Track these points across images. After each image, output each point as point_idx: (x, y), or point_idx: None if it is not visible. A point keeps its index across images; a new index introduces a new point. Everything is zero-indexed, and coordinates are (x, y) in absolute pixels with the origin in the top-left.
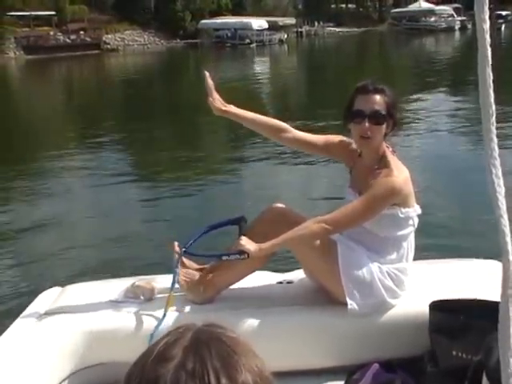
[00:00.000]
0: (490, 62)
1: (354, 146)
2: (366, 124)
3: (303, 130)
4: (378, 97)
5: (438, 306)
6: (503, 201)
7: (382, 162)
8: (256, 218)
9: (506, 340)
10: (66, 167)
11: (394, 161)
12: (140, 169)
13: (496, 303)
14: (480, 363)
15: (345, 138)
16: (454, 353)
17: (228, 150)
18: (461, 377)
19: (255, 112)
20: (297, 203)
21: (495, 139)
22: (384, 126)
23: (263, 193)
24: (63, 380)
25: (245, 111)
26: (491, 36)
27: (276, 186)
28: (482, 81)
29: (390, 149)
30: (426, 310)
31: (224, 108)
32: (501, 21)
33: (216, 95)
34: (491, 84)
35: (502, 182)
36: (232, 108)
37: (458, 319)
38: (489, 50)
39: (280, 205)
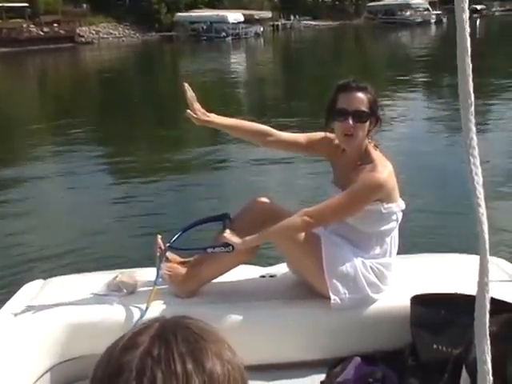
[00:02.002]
0: (469, 52)
1: (336, 141)
2: (350, 122)
3: (280, 125)
4: (360, 95)
5: (419, 300)
6: (481, 190)
7: (366, 158)
8: (240, 211)
9: (482, 330)
10: (43, 161)
11: (377, 156)
12: (121, 163)
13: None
14: (460, 356)
15: (327, 135)
16: (435, 346)
17: (210, 143)
18: (441, 370)
19: (232, 109)
20: (280, 197)
21: (474, 128)
22: (367, 123)
23: (247, 186)
24: (45, 373)
25: (226, 118)
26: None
27: (259, 180)
28: (461, 70)
29: (373, 143)
30: (408, 304)
31: (206, 118)
32: (476, 15)
33: (197, 106)
34: (470, 74)
35: (480, 171)
36: (213, 117)
37: (439, 313)
38: (468, 39)
39: (263, 198)
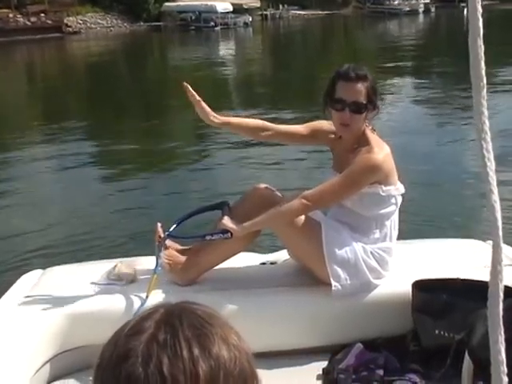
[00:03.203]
0: (482, 33)
1: (334, 127)
2: (347, 113)
3: (270, 113)
4: (359, 85)
5: (420, 286)
6: (493, 176)
7: (362, 141)
8: (240, 199)
9: (496, 319)
10: (36, 151)
11: (374, 138)
12: (117, 152)
13: (479, 282)
14: (462, 342)
15: (324, 122)
16: (437, 332)
17: (204, 131)
18: (443, 355)
19: (223, 98)
20: (278, 185)
21: (486, 113)
22: (364, 113)
23: (245, 173)
24: (45, 363)
25: (225, 117)
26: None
27: (257, 166)
28: (473, 53)
29: (370, 127)
30: (410, 289)
31: (218, 121)
32: (463, 4)
33: (205, 107)
34: (482, 56)
35: (492, 156)
36: (225, 119)
37: (440, 298)
38: (480, 20)
39: (263, 185)
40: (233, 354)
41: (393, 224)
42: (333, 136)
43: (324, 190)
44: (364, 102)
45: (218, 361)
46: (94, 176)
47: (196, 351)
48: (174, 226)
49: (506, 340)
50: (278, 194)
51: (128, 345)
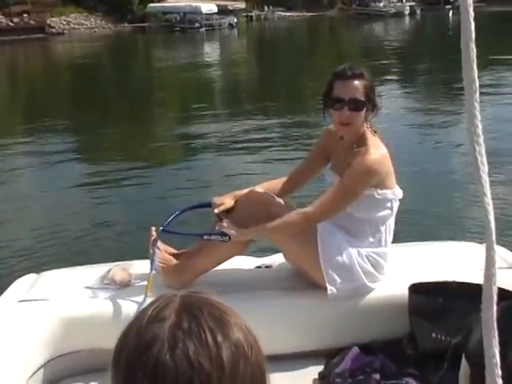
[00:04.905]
0: (474, 36)
1: (332, 130)
2: (346, 111)
3: (257, 114)
4: (356, 82)
5: (417, 289)
6: (486, 178)
7: (361, 142)
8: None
9: (490, 322)
10: (22, 155)
11: (372, 140)
12: (106, 155)
13: (475, 285)
14: (459, 345)
15: (327, 128)
16: (434, 335)
17: (190, 130)
18: (440, 358)
19: (209, 100)
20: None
21: (478, 116)
22: (363, 111)
23: (236, 171)
24: (40, 368)
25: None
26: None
27: (250, 165)
28: (465, 56)
29: (371, 129)
30: (406, 292)
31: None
32: (448, 7)
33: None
34: (475, 59)
35: (485, 159)
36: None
37: (437, 301)
38: (472, 23)
39: (260, 189)
40: (246, 337)
41: (388, 229)
42: (334, 138)
43: (325, 203)
44: (362, 99)
45: (237, 347)
46: (86, 179)
47: (219, 338)
48: (168, 221)
49: (505, 341)
50: (274, 197)
51: (152, 332)
